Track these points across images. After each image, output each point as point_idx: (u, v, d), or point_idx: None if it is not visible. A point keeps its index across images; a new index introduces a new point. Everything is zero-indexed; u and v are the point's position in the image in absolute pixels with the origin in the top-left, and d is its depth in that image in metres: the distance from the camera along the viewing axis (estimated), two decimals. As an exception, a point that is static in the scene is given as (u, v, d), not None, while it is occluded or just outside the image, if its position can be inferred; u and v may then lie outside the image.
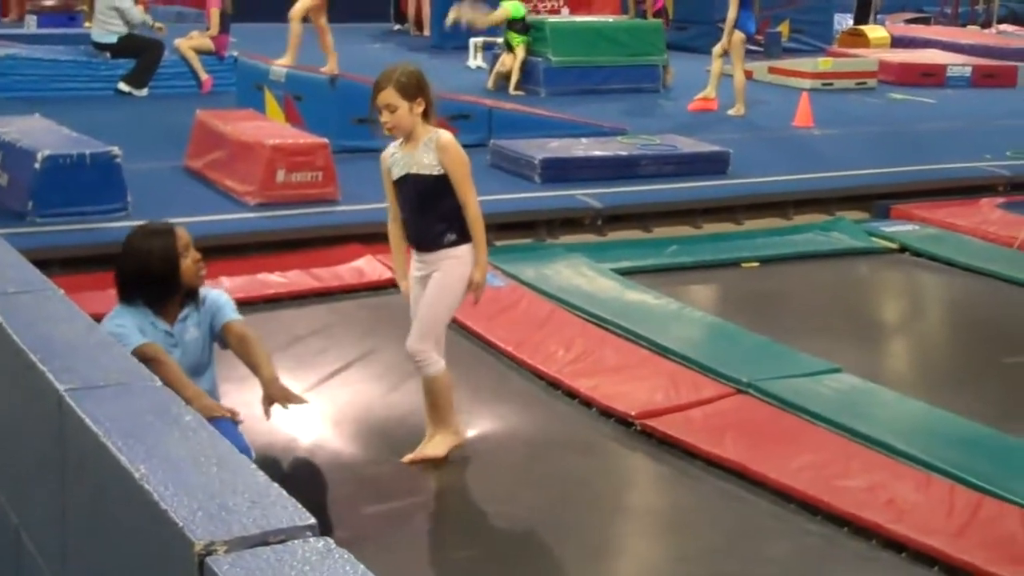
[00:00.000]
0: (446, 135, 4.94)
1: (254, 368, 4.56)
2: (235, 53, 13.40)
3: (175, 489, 1.91)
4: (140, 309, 4.46)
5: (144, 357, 4.09)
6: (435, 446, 5.07)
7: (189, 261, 4.45)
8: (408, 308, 5.13)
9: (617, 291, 7.38)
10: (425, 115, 4.91)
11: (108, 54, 13.26)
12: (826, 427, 5.45)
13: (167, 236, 4.46)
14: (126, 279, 4.49)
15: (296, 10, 11.09)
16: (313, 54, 11.36)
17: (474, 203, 4.96)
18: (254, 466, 2.00)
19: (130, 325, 4.37)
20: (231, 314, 4.64)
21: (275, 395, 4.48)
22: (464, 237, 4.98)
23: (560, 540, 4.62)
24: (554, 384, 5.99)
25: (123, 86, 13.17)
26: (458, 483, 5.07)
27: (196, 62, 13.58)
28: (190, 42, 13.63)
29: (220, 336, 4.62)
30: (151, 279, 4.42)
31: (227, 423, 4.61)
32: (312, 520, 1.81)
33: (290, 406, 4.54)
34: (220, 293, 4.75)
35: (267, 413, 4.54)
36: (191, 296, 4.55)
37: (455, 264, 4.98)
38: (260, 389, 4.52)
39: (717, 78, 13.47)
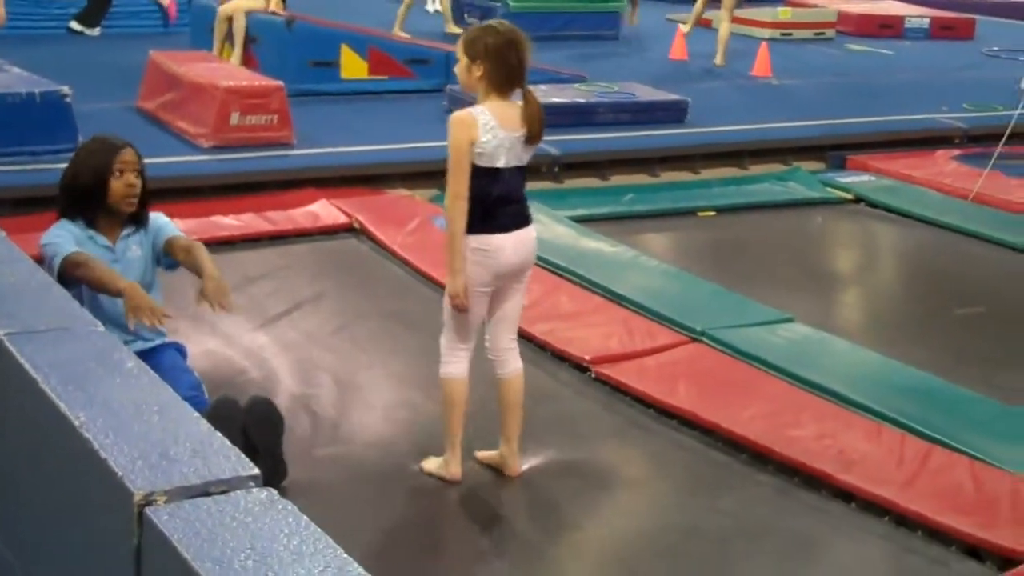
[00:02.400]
0: (459, 112, 4.37)
1: (199, 270, 4.42)
2: (190, -7, 13.22)
3: (115, 438, 1.87)
4: (78, 223, 4.47)
5: (75, 263, 4.13)
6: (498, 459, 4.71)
7: (121, 183, 4.38)
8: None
9: (573, 239, 7.36)
10: (495, 86, 4.34)
11: (60, -9, 13.05)
12: (778, 376, 5.46)
13: (108, 152, 4.44)
14: (62, 186, 4.51)
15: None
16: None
17: (447, 194, 4.40)
18: (196, 415, 1.96)
19: (66, 236, 4.37)
20: (174, 231, 4.59)
21: (209, 292, 4.31)
22: (469, 227, 4.38)
23: (509, 489, 4.61)
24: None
25: (75, 25, 12.96)
26: (409, 424, 5.04)
27: None
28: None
29: (165, 253, 4.55)
30: (79, 190, 4.44)
31: (176, 355, 4.58)
32: (255, 470, 1.78)
33: (219, 311, 4.34)
34: (160, 215, 4.67)
35: (200, 306, 4.37)
36: (134, 218, 4.50)
37: None
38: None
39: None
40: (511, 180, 4.40)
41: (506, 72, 4.32)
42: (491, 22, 4.51)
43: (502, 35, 4.34)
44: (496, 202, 4.36)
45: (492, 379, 4.65)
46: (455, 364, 4.53)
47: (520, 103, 4.41)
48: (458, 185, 4.30)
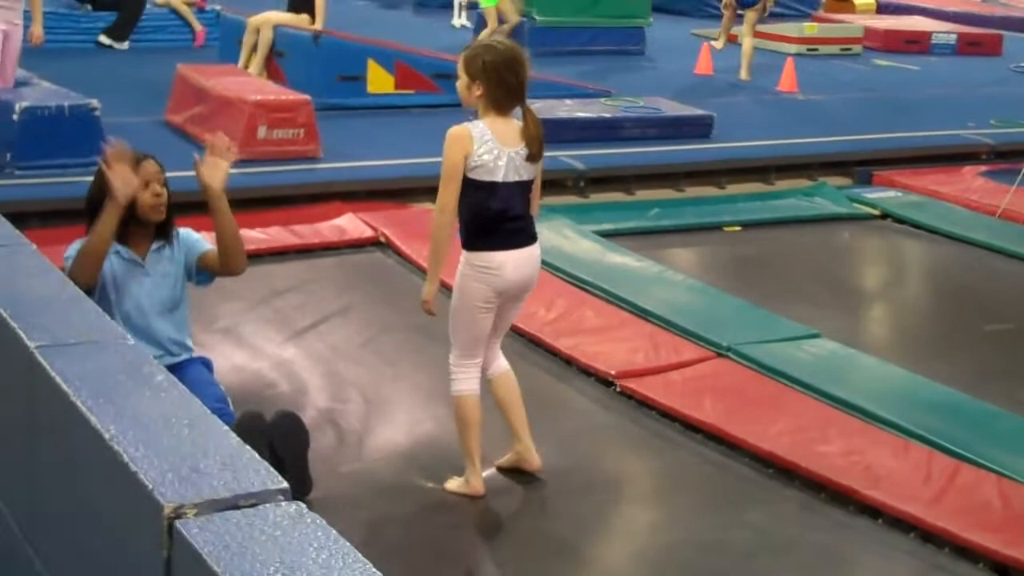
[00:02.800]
0: (456, 127, 4.38)
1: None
2: (218, 7, 13.28)
3: (145, 451, 1.88)
4: None
5: (76, 258, 4.24)
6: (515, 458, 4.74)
7: (147, 195, 4.42)
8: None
9: (599, 253, 7.36)
10: (494, 104, 4.35)
11: (89, 6, 13.13)
12: (805, 392, 5.44)
13: (133, 164, 4.45)
14: (89, 201, 4.51)
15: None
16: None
17: (436, 204, 4.43)
18: (226, 428, 1.97)
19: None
20: (207, 245, 4.62)
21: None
22: (463, 243, 4.45)
23: (534, 503, 4.61)
24: (535, 342, 5.98)
25: (104, 39, 13.03)
26: (435, 438, 5.05)
27: (189, 14, 13.45)
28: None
29: (199, 269, 4.59)
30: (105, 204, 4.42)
31: (202, 369, 4.60)
32: (284, 484, 1.79)
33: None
34: (190, 231, 4.70)
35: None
36: (161, 232, 4.53)
37: (459, 271, 4.49)
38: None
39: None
40: (511, 196, 4.38)
41: (505, 91, 4.34)
42: (491, 40, 4.57)
43: (500, 53, 4.35)
44: (495, 218, 4.36)
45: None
46: (466, 381, 4.53)
47: (519, 122, 4.42)
48: (446, 197, 4.33)
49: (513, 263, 4.41)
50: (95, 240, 4.28)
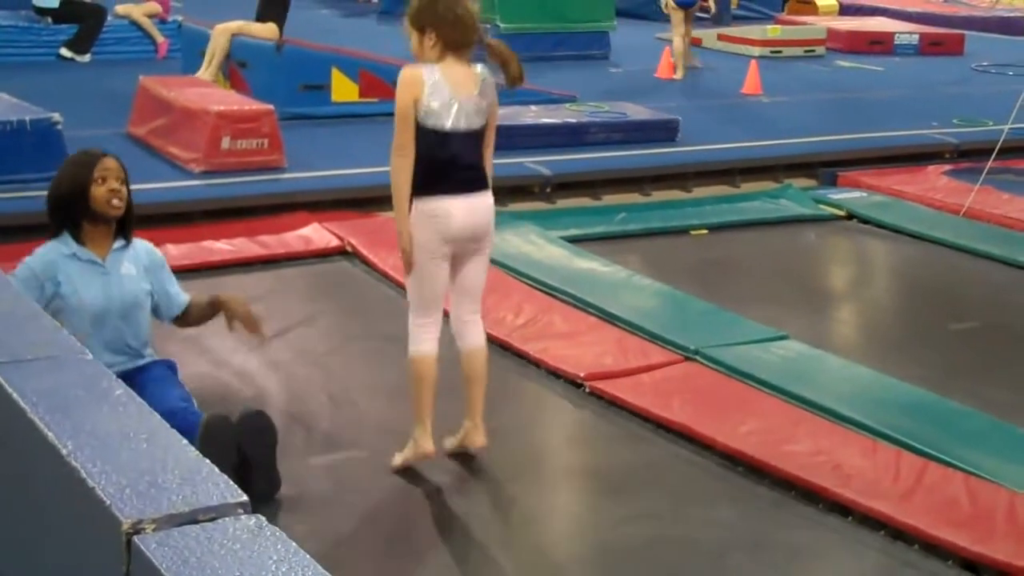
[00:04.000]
0: (407, 69, 4.36)
1: (212, 305, 4.85)
2: (180, 19, 13.23)
3: (103, 466, 1.86)
4: (64, 239, 4.56)
5: None
6: (462, 436, 4.72)
7: (103, 188, 4.44)
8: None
9: (566, 259, 7.36)
10: (451, 47, 4.32)
11: (49, 19, 13.05)
12: (773, 394, 5.45)
13: (89, 161, 4.54)
14: (47, 198, 4.61)
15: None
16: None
17: (392, 147, 4.35)
18: (185, 442, 1.95)
19: (37, 261, 4.51)
20: (182, 294, 4.83)
21: (242, 315, 4.82)
22: (413, 189, 4.36)
23: (506, 502, 4.61)
24: (503, 346, 5.97)
25: (65, 52, 12.96)
26: (403, 438, 5.03)
27: (150, 26, 13.39)
28: (141, 8, 13.41)
29: (179, 316, 4.85)
30: (62, 199, 4.53)
31: (166, 370, 4.61)
32: (243, 497, 1.77)
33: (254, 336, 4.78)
34: (154, 249, 4.76)
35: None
36: (121, 230, 4.56)
37: (410, 219, 4.41)
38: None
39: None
40: (462, 144, 4.36)
41: (460, 30, 4.34)
42: None
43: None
44: (445, 165, 4.33)
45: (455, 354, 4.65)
46: (424, 342, 4.49)
47: (476, 68, 4.41)
48: (400, 137, 4.30)
49: (462, 210, 4.38)
50: None
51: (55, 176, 4.61)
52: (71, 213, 4.53)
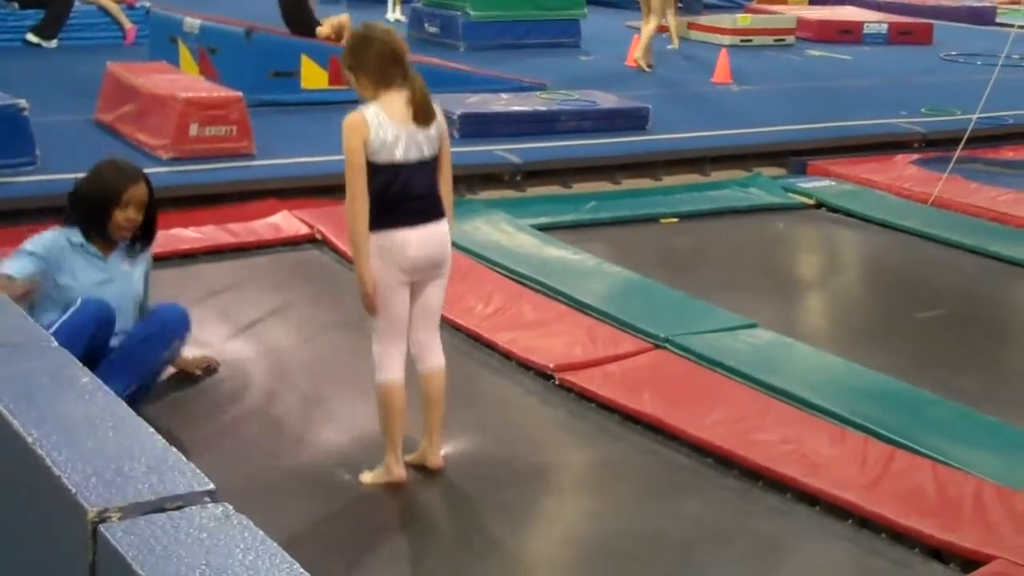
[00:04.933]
0: (350, 115, 4.40)
1: None
2: (148, 4, 13.15)
3: (69, 454, 1.85)
4: (73, 230, 4.76)
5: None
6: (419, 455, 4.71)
7: (123, 215, 4.64)
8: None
9: (536, 247, 7.35)
10: (380, 83, 4.39)
11: (16, 4, 12.94)
12: (742, 381, 5.47)
13: (121, 183, 4.69)
14: (72, 193, 4.81)
15: None
16: (224, 6, 11.16)
17: (348, 197, 4.39)
18: (152, 430, 1.94)
19: (42, 244, 4.68)
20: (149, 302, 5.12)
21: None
22: (369, 224, 4.39)
23: (474, 495, 4.60)
24: (473, 337, 5.96)
25: (31, 37, 12.86)
26: (373, 434, 5.02)
27: (118, 11, 13.30)
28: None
29: None
30: (85, 206, 4.72)
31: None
32: (211, 486, 1.76)
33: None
34: (150, 257, 5.08)
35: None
36: (133, 241, 4.85)
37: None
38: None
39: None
40: (414, 175, 4.39)
41: (383, 65, 4.39)
42: (356, 28, 4.60)
43: (366, 34, 4.45)
44: (397, 197, 4.35)
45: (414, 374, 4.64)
46: (390, 371, 4.51)
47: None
48: (355, 187, 4.33)
49: (418, 240, 4.41)
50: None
51: (90, 176, 4.79)
52: (88, 222, 4.73)
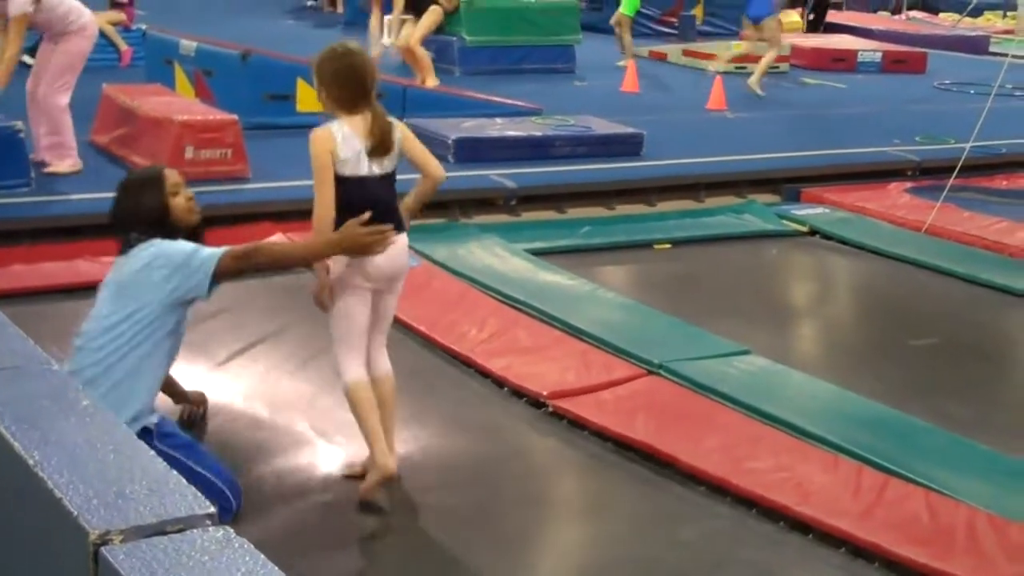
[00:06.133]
0: (317, 129, 4.52)
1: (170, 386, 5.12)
2: (144, 27, 13.18)
3: (70, 476, 1.85)
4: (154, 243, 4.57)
5: (238, 255, 4.37)
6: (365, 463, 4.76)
7: (181, 199, 4.57)
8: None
9: (530, 271, 7.37)
10: (342, 106, 4.50)
11: (13, 25, 12.94)
12: (735, 408, 5.48)
13: (155, 179, 4.60)
14: (123, 218, 4.56)
15: None
16: (220, 28, 11.19)
17: (316, 205, 4.48)
18: (152, 453, 1.94)
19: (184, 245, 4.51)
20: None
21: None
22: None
23: (468, 524, 4.59)
24: (467, 364, 5.97)
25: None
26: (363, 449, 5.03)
27: (114, 34, 13.33)
28: (105, 16, 13.35)
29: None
30: (144, 215, 4.53)
31: (202, 452, 4.58)
32: (212, 509, 1.76)
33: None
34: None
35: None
36: (195, 236, 4.66)
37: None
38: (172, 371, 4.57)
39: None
40: (376, 188, 4.51)
41: (348, 91, 4.48)
42: (333, 45, 4.65)
43: (338, 59, 4.52)
44: (360, 210, 4.42)
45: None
46: (354, 370, 4.63)
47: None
48: (324, 198, 4.44)
49: (379, 253, 4.49)
50: (275, 264, 4.67)
51: (124, 200, 4.60)
52: (154, 227, 4.52)
